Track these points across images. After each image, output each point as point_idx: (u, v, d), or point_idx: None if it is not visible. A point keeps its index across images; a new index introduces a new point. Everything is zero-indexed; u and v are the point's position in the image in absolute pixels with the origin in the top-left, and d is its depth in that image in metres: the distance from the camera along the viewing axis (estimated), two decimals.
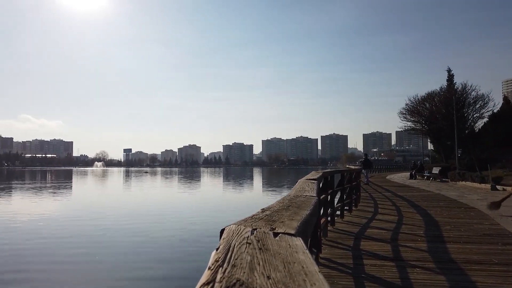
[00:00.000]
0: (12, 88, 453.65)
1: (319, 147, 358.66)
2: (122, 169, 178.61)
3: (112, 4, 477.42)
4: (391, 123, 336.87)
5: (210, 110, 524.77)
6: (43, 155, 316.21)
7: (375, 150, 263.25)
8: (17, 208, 19.54)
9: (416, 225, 7.72)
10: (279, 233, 1.04)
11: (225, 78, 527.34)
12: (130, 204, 22.33)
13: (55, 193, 30.44)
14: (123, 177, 68.71)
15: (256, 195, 28.34)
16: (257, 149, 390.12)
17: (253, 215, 1.40)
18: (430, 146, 50.92)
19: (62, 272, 7.88)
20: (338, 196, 8.70)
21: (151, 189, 36.02)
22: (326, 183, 6.94)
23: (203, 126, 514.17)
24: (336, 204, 8.35)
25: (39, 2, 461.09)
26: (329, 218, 7.16)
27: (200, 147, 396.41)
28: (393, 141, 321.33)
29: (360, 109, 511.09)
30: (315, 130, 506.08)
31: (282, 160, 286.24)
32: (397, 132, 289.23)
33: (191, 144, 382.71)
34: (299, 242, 0.95)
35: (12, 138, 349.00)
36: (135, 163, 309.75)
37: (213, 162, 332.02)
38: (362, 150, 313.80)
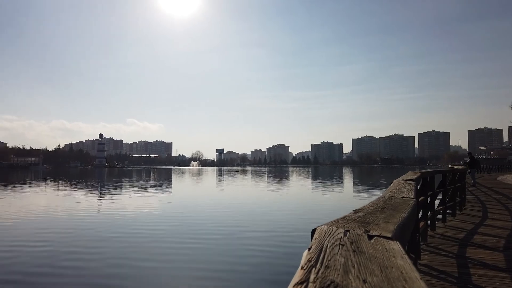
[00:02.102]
0: (120, 95, 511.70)
1: (416, 145, 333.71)
2: (215, 168, 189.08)
3: (201, 10, 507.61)
4: (502, 118, 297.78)
5: (298, 110, 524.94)
6: (147, 155, 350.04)
7: (482, 148, 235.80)
8: (130, 202, 21.92)
9: None
10: (374, 235, 1.01)
11: (313, 77, 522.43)
12: (223, 200, 23.47)
13: (160, 189, 33.51)
14: (216, 176, 72.64)
15: (346, 196, 27.52)
16: (347, 148, 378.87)
17: (345, 216, 1.35)
18: None
19: (161, 263, 8.61)
20: (439, 198, 7.97)
21: (241, 187, 37.40)
22: (425, 184, 6.42)
23: (291, 126, 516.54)
24: (437, 207, 7.67)
25: (141, 12, 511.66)
26: (428, 222, 6.62)
27: (288, 147, 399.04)
28: (505, 138, 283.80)
29: (463, 103, 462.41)
30: (411, 127, 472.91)
31: (374, 160, 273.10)
32: (509, 128, 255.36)
33: (280, 143, 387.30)
34: (396, 246, 0.90)
35: (121, 140, 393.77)
36: (227, 162, 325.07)
37: (301, 161, 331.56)
38: (467, 148, 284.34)
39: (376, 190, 30.85)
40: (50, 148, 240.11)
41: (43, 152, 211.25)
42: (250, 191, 31.78)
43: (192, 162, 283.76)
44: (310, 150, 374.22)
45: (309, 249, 0.84)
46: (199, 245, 10.30)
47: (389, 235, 1.04)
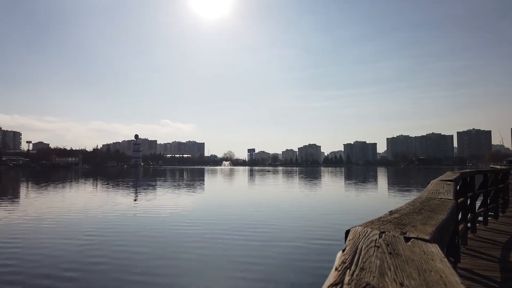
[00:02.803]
0: (154, 97, 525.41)
1: (455, 144, 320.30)
2: (247, 168, 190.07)
3: (231, 12, 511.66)
4: None
5: (330, 109, 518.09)
6: (180, 155, 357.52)
7: None
8: (166, 201, 22.50)
9: None
10: (411, 237, 0.97)
11: (345, 75, 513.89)
12: (254, 200, 23.58)
13: (193, 188, 34.18)
14: (247, 175, 73.05)
15: (381, 196, 26.86)
16: (381, 148, 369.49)
17: (380, 218, 1.32)
18: None
19: (192, 262, 8.76)
20: (480, 200, 7.62)
21: (273, 187, 37.39)
22: (465, 185, 6.15)
23: (323, 125, 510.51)
24: (478, 209, 7.33)
25: (173, 15, 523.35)
26: (469, 225, 6.34)
27: (320, 146, 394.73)
28: None
29: (505, 100, 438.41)
30: (449, 126, 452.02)
31: (410, 159, 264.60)
32: None
33: (311, 143, 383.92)
34: (435, 249, 0.87)
35: (156, 141, 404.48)
36: (258, 162, 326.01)
37: (333, 161, 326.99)
38: (510, 148, 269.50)
39: (412, 191, 29.91)
40: (89, 148, 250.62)
41: (82, 153, 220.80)
42: (281, 191, 31.72)
43: (224, 162, 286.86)
44: (343, 150, 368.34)
45: (343, 251, 0.82)
46: (231, 243, 10.41)
47: (427, 237, 1.00)
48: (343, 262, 0.72)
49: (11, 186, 42.78)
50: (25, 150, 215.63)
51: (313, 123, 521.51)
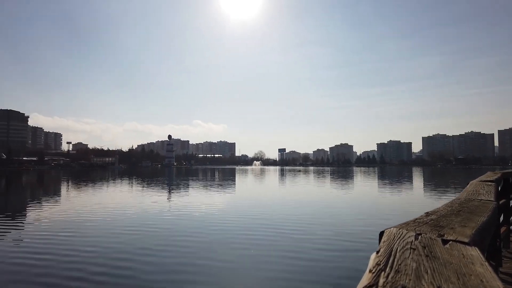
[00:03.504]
0: (186, 98, 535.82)
1: (496, 143, 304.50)
2: (277, 167, 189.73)
3: (261, 12, 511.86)
4: None
5: (362, 107, 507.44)
6: (212, 155, 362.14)
7: None
8: (199, 199, 22.90)
9: None
10: (449, 240, 0.95)
11: (378, 73, 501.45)
12: (286, 200, 23.51)
13: (225, 187, 34.57)
14: (278, 175, 72.92)
15: (416, 197, 26.02)
16: (416, 147, 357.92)
17: (416, 219, 1.29)
18: None
19: (223, 262, 8.85)
20: None
21: (304, 187, 37.11)
22: (508, 186, 5.85)
23: (355, 124, 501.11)
24: None
25: (204, 18, 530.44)
26: (511, 227, 6.02)
27: (352, 146, 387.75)
28: None
29: None
30: (490, 124, 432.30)
31: (447, 159, 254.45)
32: None
33: (343, 143, 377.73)
34: (474, 252, 0.84)
35: (188, 141, 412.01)
36: (289, 162, 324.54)
37: (366, 161, 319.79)
38: None
39: (450, 192, 28.77)
40: (125, 149, 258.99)
41: (119, 153, 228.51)
42: (313, 191, 31.43)
43: (255, 161, 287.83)
44: (376, 149, 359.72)
45: (377, 252, 0.80)
46: (262, 242, 10.44)
47: (466, 240, 0.96)
48: (377, 264, 0.70)
49: (54, 185, 45.01)
50: (66, 150, 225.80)
51: (345, 122, 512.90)
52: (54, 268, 8.13)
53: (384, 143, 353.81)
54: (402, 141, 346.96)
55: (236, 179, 57.98)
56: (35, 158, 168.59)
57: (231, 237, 11.35)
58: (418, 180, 51.33)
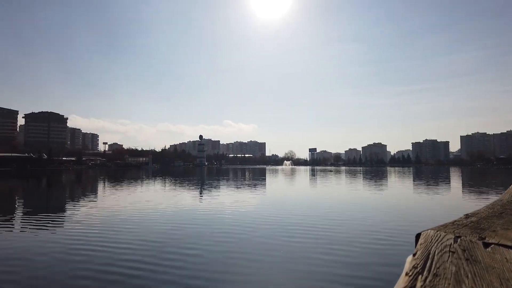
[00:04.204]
0: (217, 99, 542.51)
1: None
2: (308, 167, 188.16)
3: (292, 11, 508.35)
4: None
5: (396, 106, 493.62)
6: (242, 155, 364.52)
7: None
8: (230, 199, 23.13)
9: None
10: (491, 243, 0.90)
11: (412, 70, 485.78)
12: (317, 200, 23.27)
13: (256, 186, 34.69)
14: (309, 175, 72.29)
15: (454, 199, 25.02)
16: (454, 147, 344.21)
17: (455, 221, 1.23)
18: None
19: (250, 262, 8.87)
20: None
21: (337, 187, 36.57)
22: None
23: (389, 123, 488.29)
24: None
25: (235, 18, 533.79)
26: None
27: (385, 145, 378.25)
28: None
29: None
30: None
31: (487, 159, 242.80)
32: None
33: (376, 142, 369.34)
34: None
35: (219, 141, 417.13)
36: (320, 162, 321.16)
37: (400, 161, 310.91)
38: None
39: (491, 193, 27.43)
40: (158, 149, 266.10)
41: (152, 153, 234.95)
42: (345, 191, 30.93)
43: (285, 161, 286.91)
44: (411, 149, 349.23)
45: (414, 255, 0.78)
46: (293, 245, 10.39)
47: (509, 243, 0.92)
48: (414, 267, 0.68)
49: (92, 183, 46.89)
50: (102, 150, 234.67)
51: (377, 121, 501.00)
52: (89, 262, 8.47)
53: (419, 142, 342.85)
54: (438, 140, 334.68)
55: (266, 179, 58.05)
56: (73, 158, 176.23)
57: (261, 236, 11.38)
58: (456, 181, 49.31)
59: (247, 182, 44.66)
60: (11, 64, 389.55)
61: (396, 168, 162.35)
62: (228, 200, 22.75)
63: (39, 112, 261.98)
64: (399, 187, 36.57)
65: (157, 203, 21.12)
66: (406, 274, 0.64)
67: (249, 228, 12.88)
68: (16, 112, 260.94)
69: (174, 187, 37.14)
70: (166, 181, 49.66)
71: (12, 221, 15.26)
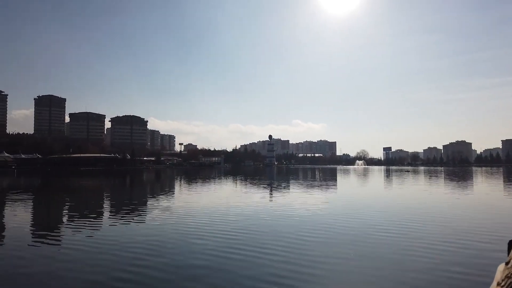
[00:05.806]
0: (285, 98, 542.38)
1: None
2: (382, 167, 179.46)
3: (362, 5, 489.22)
4: None
5: (483, 100, 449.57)
6: (312, 155, 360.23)
7: None
8: (299, 199, 23.11)
9: None
10: None
11: (500, 60, 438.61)
12: (393, 202, 22.22)
13: (326, 187, 34.16)
14: (384, 176, 69.04)
15: None
16: None
17: None
18: None
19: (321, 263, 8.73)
20: None
21: (415, 188, 34.44)
22: None
23: (474, 119, 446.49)
24: None
25: (304, 16, 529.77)
26: None
27: (470, 143, 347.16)
28: None
29: None
30: None
31: None
32: None
33: (459, 140, 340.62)
34: None
35: (288, 141, 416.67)
36: (395, 161, 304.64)
37: (488, 160, 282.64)
38: None
39: None
40: (229, 149, 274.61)
41: (224, 153, 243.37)
42: (425, 193, 29.01)
43: (357, 161, 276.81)
44: (501, 147, 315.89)
45: (507, 264, 0.72)
46: (366, 248, 10.07)
47: None
48: (508, 277, 0.61)
49: (171, 181, 50.02)
50: (178, 151, 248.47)
51: (460, 117, 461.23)
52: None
53: (511, 140, 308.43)
54: None
55: (337, 179, 56.75)
56: (153, 158, 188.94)
57: (332, 237, 11.19)
58: None
59: (318, 183, 44.08)
60: (94, 70, 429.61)
61: (483, 168, 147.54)
62: (298, 200, 22.69)
63: (123, 116, 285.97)
64: (487, 190, 33.26)
65: (234, 200, 22.26)
66: (498, 284, 0.57)
67: (320, 228, 12.73)
68: (104, 116, 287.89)
69: (246, 186, 38.09)
70: (239, 180, 51.11)
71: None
